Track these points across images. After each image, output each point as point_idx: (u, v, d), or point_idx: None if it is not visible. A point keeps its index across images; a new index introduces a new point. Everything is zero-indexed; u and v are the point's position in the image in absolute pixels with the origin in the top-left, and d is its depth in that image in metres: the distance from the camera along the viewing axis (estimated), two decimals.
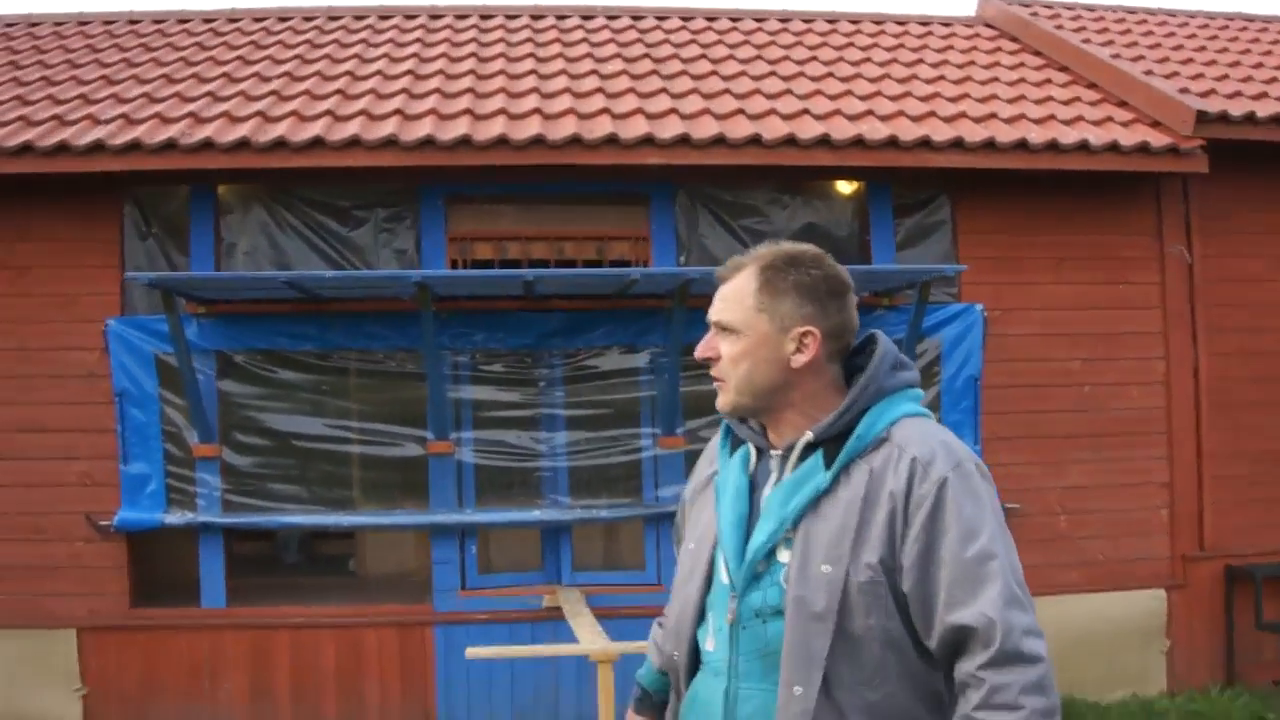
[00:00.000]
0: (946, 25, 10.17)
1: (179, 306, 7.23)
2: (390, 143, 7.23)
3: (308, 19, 10.00)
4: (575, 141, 7.28)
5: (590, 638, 6.41)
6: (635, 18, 10.18)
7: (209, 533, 7.65)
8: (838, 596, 2.27)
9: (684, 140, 7.35)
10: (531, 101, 7.83)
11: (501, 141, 7.25)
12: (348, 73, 8.47)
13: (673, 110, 7.76)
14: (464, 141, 7.24)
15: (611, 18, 10.12)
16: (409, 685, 7.74)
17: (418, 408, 7.79)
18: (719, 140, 7.39)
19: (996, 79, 8.88)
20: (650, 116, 7.65)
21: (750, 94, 8.15)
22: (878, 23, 10.27)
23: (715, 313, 2.49)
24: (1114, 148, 7.67)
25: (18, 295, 7.65)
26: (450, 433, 7.67)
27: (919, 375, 2.51)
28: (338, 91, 8.03)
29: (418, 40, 9.32)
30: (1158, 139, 7.79)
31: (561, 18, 10.00)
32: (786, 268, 2.45)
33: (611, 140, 7.29)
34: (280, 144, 7.24)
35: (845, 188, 8.23)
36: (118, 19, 10.06)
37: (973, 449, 7.82)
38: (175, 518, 7.59)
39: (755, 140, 7.43)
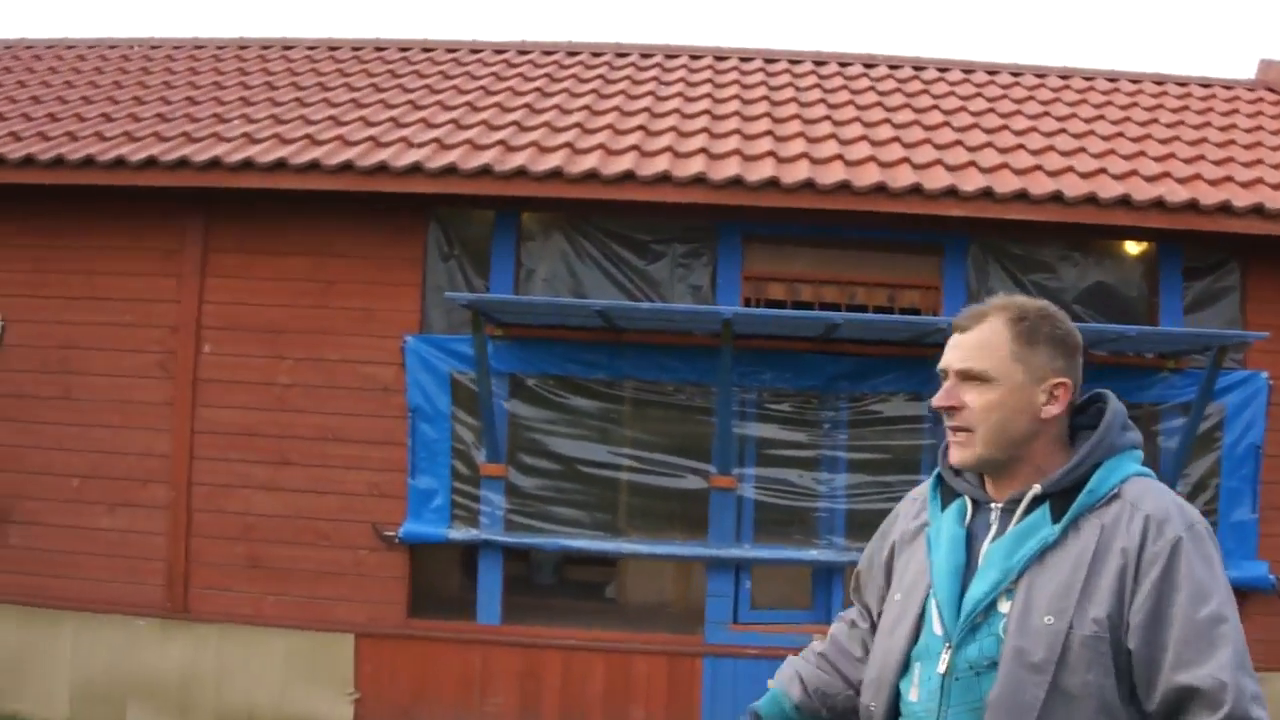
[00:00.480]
0: (1229, 89, 10.15)
1: (483, 327, 7.52)
2: (699, 180, 7.45)
3: (596, 54, 10.35)
4: (880, 189, 7.42)
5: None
6: (917, 68, 10.38)
7: (489, 550, 7.92)
8: (1058, 649, 2.26)
9: (987, 194, 7.47)
10: (832, 147, 8.01)
11: (808, 185, 7.43)
12: (645, 109, 8.75)
13: (972, 163, 7.88)
14: (771, 183, 7.43)
15: (894, 67, 10.32)
16: (674, 713, 7.90)
17: (700, 441, 7.99)
18: (1021, 195, 7.48)
19: None
20: (950, 168, 7.78)
21: (1045, 150, 8.24)
22: (1159, 83, 10.28)
23: (960, 360, 2.48)
24: None
25: (321, 308, 8.01)
26: (734, 468, 7.86)
27: (1141, 436, 2.51)
28: (640, 127, 8.29)
29: (708, 80, 9.61)
30: None
31: (844, 65, 10.22)
32: (1039, 320, 2.47)
33: (916, 190, 7.43)
34: (591, 175, 7.50)
35: (1135, 248, 8.27)
36: (413, 46, 10.53)
37: (1250, 516, 7.89)
38: (459, 533, 7.88)
39: (1056, 197, 7.49)
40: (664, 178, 7.46)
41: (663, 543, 8.03)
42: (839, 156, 7.85)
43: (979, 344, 2.47)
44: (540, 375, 7.97)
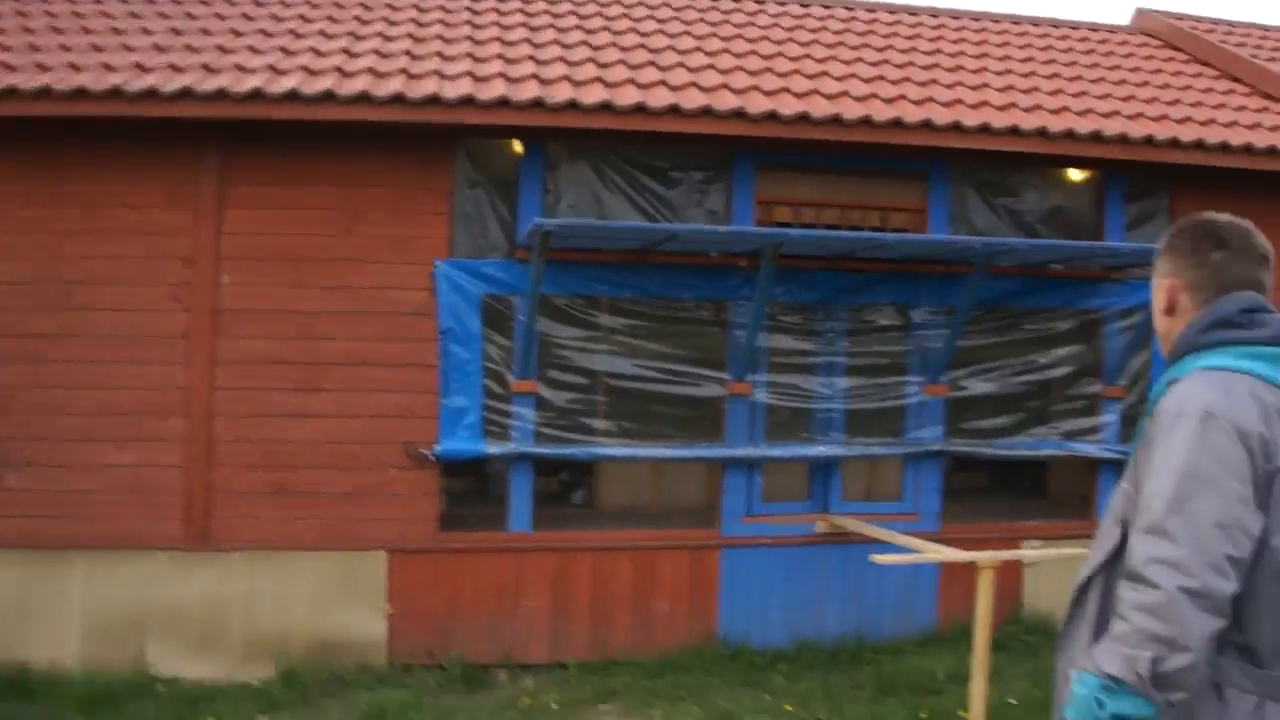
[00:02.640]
0: (1113, 33, 11.83)
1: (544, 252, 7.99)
2: (706, 112, 8.29)
3: None
4: (865, 122, 8.50)
5: (936, 549, 7.79)
6: (911, 13, 11.89)
7: (522, 463, 8.61)
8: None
9: (955, 127, 8.65)
10: (829, 85, 9.11)
11: (803, 119, 8.39)
12: (640, 45, 9.58)
13: (958, 100, 9.11)
14: (771, 116, 8.35)
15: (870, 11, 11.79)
16: (695, 603, 8.85)
17: (715, 352, 8.91)
18: (984, 129, 8.72)
19: (1190, 86, 10.43)
20: (916, 102, 9.00)
21: (1007, 89, 9.58)
22: (1074, 28, 11.95)
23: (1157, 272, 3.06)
24: None
25: (351, 236, 8.42)
26: (748, 375, 8.89)
27: (1262, 332, 2.77)
28: (649, 63, 9.12)
29: (725, 20, 10.69)
30: None
31: (849, 8, 11.66)
32: (1167, 236, 3.04)
33: (896, 123, 8.55)
34: (606, 107, 8.20)
35: (1085, 176, 9.68)
36: None
37: None
38: (495, 448, 8.51)
39: (1014, 130, 8.77)
40: (673, 109, 8.24)
41: (684, 446, 8.91)
42: (844, 93, 8.92)
43: (1173, 261, 3.01)
44: (570, 295, 8.68)
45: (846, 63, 9.78)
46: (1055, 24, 11.97)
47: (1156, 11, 12.31)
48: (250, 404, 8.38)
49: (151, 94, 7.91)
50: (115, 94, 7.90)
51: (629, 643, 8.76)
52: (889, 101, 8.93)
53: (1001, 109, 9.08)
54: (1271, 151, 9.21)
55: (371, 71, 8.38)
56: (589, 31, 9.92)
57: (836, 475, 9.16)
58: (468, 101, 8.06)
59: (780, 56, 9.68)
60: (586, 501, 10.28)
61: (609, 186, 8.80)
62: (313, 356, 8.42)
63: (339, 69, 8.38)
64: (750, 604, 8.97)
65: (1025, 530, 9.34)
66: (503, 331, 8.60)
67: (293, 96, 7.97)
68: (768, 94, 8.69)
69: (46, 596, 8.23)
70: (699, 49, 9.68)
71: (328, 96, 7.98)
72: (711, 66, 9.17)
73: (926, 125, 8.62)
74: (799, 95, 8.73)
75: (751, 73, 9.11)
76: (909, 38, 10.92)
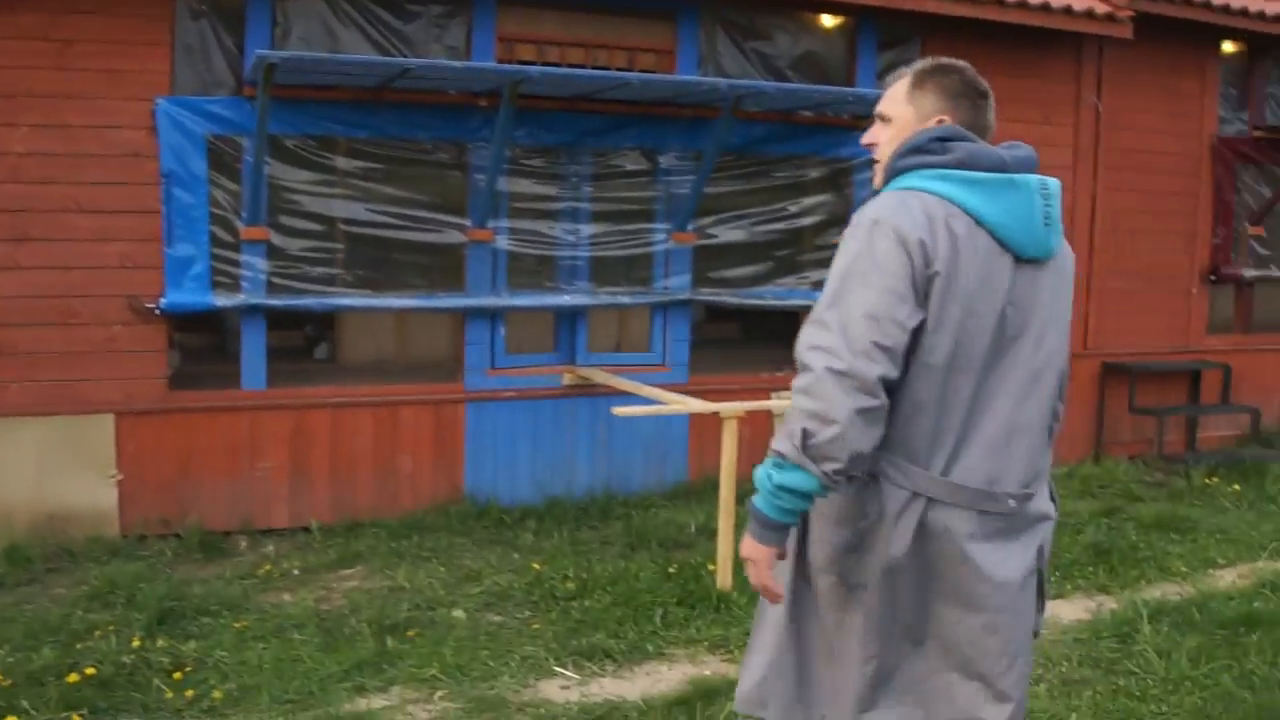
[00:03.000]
0: None
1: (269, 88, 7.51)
2: None
3: None
4: None
5: (680, 399, 7.73)
6: None
7: (253, 315, 8.19)
8: None
9: None
10: None
11: None
12: None
13: None
14: None
15: None
16: (440, 459, 8.66)
17: (456, 197, 8.61)
18: None
19: None
20: None
21: None
22: None
23: (878, 106, 3.25)
24: (1068, 11, 9.61)
25: (61, 70, 7.73)
26: (489, 221, 8.63)
27: (949, 157, 3.00)
28: None
29: None
30: (1100, 6, 9.78)
31: None
32: (933, 70, 3.18)
33: None
34: None
35: (837, 23, 9.60)
36: None
37: None
38: (224, 300, 8.05)
39: None
40: None
41: (425, 296, 8.60)
42: None
43: (889, 93, 3.22)
44: (301, 136, 8.22)
45: None
46: None
47: None
48: None
49: None
50: None
51: (374, 503, 8.52)
52: None
53: None
54: (1021, 4, 9.32)
55: None
56: None
57: (583, 326, 9.00)
58: None
59: None
60: (330, 355, 9.94)
61: (342, 19, 8.33)
62: (23, 202, 7.74)
63: None
64: (497, 460, 8.81)
65: (775, 381, 9.37)
66: (230, 175, 8.10)
67: None
68: None
69: None
70: None
71: None
72: None
73: None
74: None
75: None
76: None
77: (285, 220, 8.31)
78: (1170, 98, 11.09)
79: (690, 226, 9.09)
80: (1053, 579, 7.43)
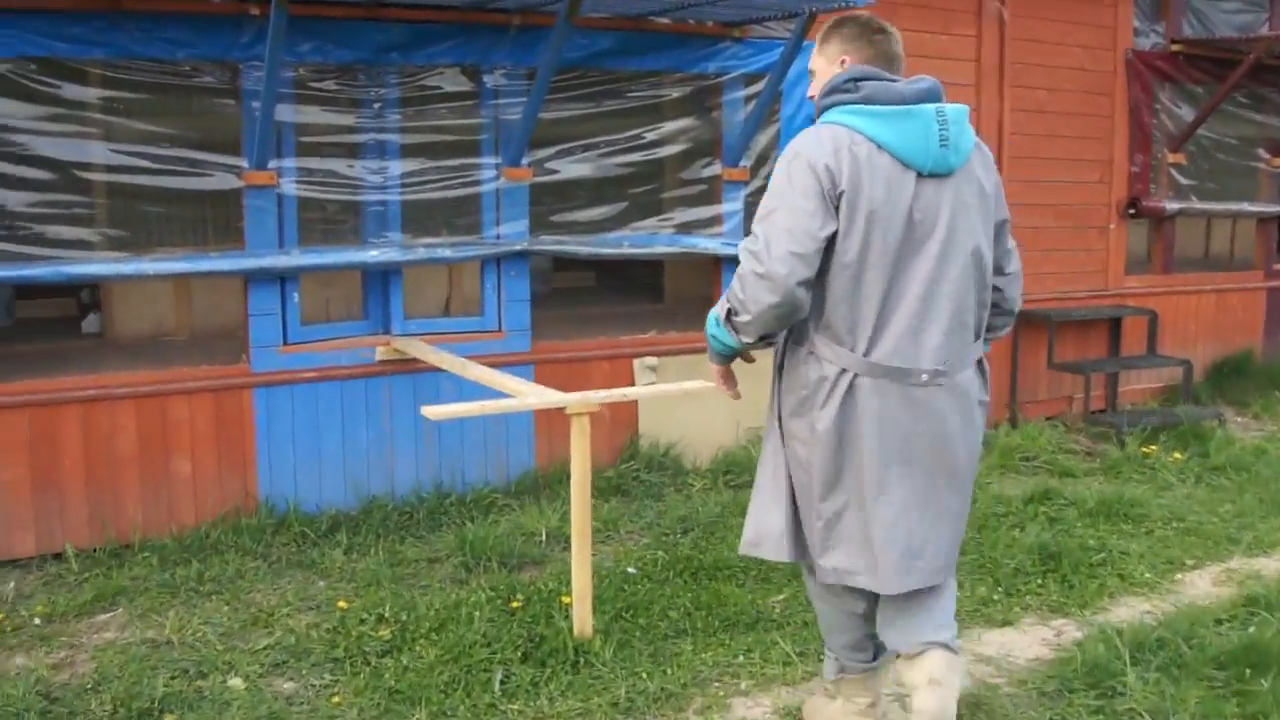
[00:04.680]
0: None
1: None
2: None
3: None
4: None
5: (525, 387, 6.01)
6: None
7: None
8: None
9: None
10: None
11: None
12: None
13: None
14: None
15: None
16: (226, 459, 6.94)
17: (227, 132, 6.90)
18: None
19: None
20: None
21: None
22: None
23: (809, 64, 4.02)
24: None
25: None
26: (271, 161, 6.89)
27: (858, 95, 3.69)
28: None
29: None
30: None
31: None
32: (835, 24, 3.91)
33: None
34: None
35: None
36: None
37: None
38: None
39: None
40: None
41: (197, 258, 6.84)
42: None
43: (814, 51, 3.96)
44: (17, 59, 6.39)
45: None
46: None
47: None
48: None
49: None
50: None
51: (145, 518, 6.74)
52: None
53: None
54: None
55: None
56: None
57: (398, 287, 7.31)
58: None
59: None
60: (100, 329, 8.25)
61: None
62: None
63: None
64: (298, 457, 7.11)
65: (638, 344, 7.81)
66: None
67: None
68: None
69: None
70: None
71: None
72: None
73: None
74: None
75: None
76: None
77: (2, 168, 6.48)
78: (1079, 5, 9.65)
79: (525, 160, 7.43)
80: (996, 596, 6.10)
